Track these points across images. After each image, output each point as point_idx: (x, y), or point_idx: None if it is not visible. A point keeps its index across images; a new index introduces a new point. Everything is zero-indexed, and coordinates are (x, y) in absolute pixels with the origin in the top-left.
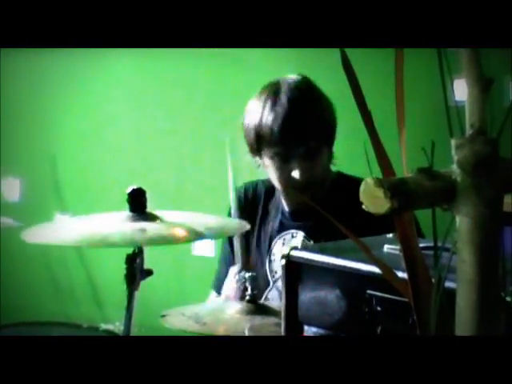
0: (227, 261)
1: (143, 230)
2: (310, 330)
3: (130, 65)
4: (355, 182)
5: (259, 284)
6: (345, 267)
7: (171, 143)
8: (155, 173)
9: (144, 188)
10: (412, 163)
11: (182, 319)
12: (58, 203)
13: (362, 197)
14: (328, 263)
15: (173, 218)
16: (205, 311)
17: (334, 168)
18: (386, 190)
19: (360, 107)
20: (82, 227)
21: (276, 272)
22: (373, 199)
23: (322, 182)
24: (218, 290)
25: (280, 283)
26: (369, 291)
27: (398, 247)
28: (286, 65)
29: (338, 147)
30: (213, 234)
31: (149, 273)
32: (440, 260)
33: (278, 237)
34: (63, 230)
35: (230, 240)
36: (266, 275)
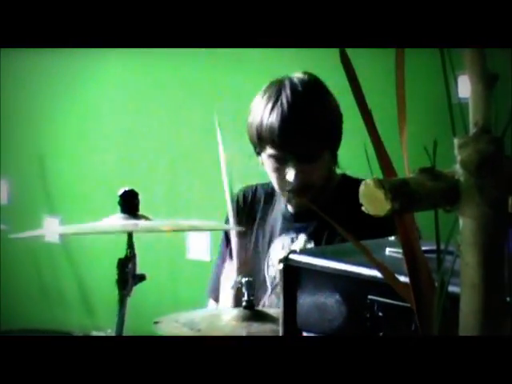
0: (224, 263)
1: (135, 225)
2: None
3: (121, 65)
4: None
5: (258, 289)
6: (345, 271)
7: (165, 145)
8: (148, 175)
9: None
10: (413, 163)
11: (175, 326)
12: (46, 206)
13: (362, 198)
14: (328, 267)
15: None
16: (200, 318)
17: (339, 170)
18: (387, 191)
19: (360, 105)
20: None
21: (275, 277)
22: (373, 200)
23: (323, 186)
24: (216, 296)
25: (279, 289)
26: (370, 296)
27: (400, 250)
28: (285, 63)
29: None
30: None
31: (141, 278)
32: (443, 263)
33: (277, 240)
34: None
35: (228, 242)
36: (265, 280)
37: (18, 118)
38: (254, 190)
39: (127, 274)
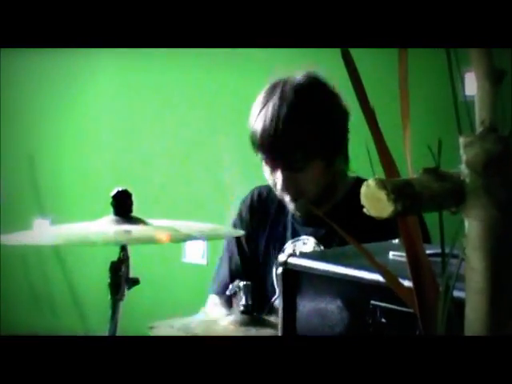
0: (232, 261)
1: (128, 232)
2: None
3: (116, 64)
4: None
5: (267, 291)
6: (347, 275)
7: (160, 145)
8: (142, 176)
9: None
10: (417, 163)
11: (171, 331)
12: (36, 207)
13: (364, 200)
14: (329, 271)
15: (161, 224)
16: (196, 323)
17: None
18: (390, 192)
19: (362, 104)
20: (61, 230)
21: None
22: (375, 202)
23: (325, 192)
24: (222, 291)
25: None
26: (373, 301)
27: (403, 254)
28: (288, 63)
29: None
30: (204, 235)
31: (135, 282)
32: (448, 267)
33: (289, 242)
34: (41, 232)
35: (238, 241)
36: (273, 282)
37: (8, 117)
38: (269, 189)
39: (120, 278)
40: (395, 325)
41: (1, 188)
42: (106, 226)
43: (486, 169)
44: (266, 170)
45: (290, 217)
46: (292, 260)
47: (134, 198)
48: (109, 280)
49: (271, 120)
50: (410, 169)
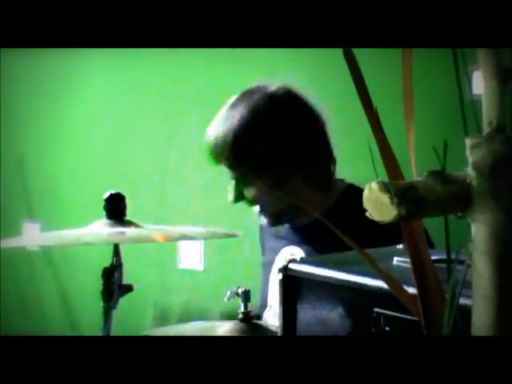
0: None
1: (122, 233)
2: None
3: (110, 65)
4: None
5: (262, 305)
6: (349, 282)
7: (154, 147)
8: (136, 178)
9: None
10: (422, 165)
11: None
12: (26, 211)
13: (366, 203)
14: (330, 277)
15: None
16: (192, 331)
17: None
18: (393, 196)
19: (364, 103)
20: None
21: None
22: (378, 206)
23: (288, 209)
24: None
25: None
26: (376, 309)
27: (408, 259)
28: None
29: (340, 146)
30: (200, 236)
31: (128, 288)
32: (454, 274)
33: (281, 252)
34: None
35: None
36: (267, 296)
37: None
38: None
39: (113, 285)
40: (399, 333)
41: None
42: (100, 229)
43: (494, 171)
44: None
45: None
46: (292, 266)
47: (127, 201)
48: (101, 287)
49: (210, 130)
50: (414, 171)
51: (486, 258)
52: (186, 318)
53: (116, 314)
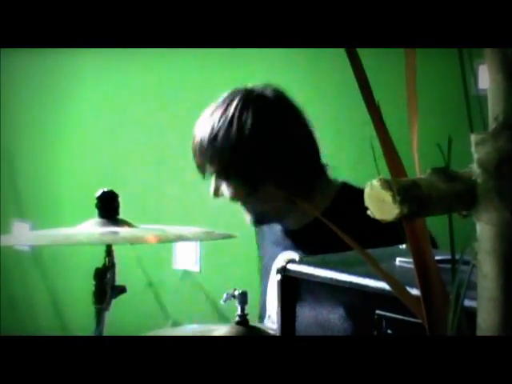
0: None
1: (115, 233)
2: None
3: (102, 64)
4: (362, 195)
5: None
6: (350, 283)
7: (147, 145)
8: (129, 176)
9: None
10: (426, 162)
11: None
12: (16, 209)
13: (368, 201)
14: (330, 278)
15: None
16: (187, 334)
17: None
18: (395, 194)
19: (365, 97)
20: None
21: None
22: (380, 204)
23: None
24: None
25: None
26: (378, 311)
27: (411, 260)
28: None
29: (341, 145)
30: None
31: (121, 290)
32: (458, 274)
33: (278, 256)
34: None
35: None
36: (265, 303)
37: None
38: None
39: (105, 286)
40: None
41: None
42: (92, 228)
43: (499, 169)
44: None
45: (281, 229)
46: (291, 266)
47: (120, 200)
48: (93, 288)
49: (199, 125)
50: (417, 168)
51: (491, 258)
52: (180, 320)
53: (108, 316)
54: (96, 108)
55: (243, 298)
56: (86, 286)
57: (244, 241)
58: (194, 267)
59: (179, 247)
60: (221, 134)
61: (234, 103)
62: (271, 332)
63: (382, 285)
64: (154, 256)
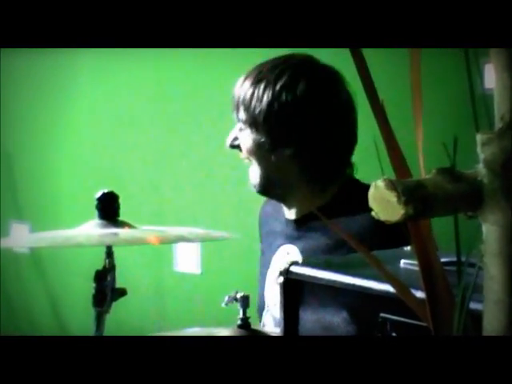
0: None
1: (115, 234)
2: None
3: (103, 63)
4: (366, 190)
5: (259, 307)
6: (354, 286)
7: (148, 145)
8: (129, 177)
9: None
10: (430, 162)
11: None
12: (14, 211)
13: (372, 202)
14: (334, 281)
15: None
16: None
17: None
18: (400, 194)
19: (369, 96)
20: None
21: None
22: (384, 205)
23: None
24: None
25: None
26: (382, 314)
27: (416, 262)
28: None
29: None
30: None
31: (122, 292)
32: (464, 277)
33: (277, 251)
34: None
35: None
36: (263, 295)
37: None
38: None
39: (105, 288)
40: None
41: None
42: (91, 230)
43: (505, 169)
44: None
45: (283, 220)
46: (294, 269)
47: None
48: (93, 290)
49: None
50: (422, 169)
51: (497, 260)
52: (181, 323)
53: (108, 318)
54: (95, 108)
55: (245, 301)
56: (86, 288)
57: (245, 243)
58: (195, 270)
59: (180, 249)
60: (265, 83)
61: (294, 61)
62: (272, 335)
63: (386, 287)
64: (155, 258)
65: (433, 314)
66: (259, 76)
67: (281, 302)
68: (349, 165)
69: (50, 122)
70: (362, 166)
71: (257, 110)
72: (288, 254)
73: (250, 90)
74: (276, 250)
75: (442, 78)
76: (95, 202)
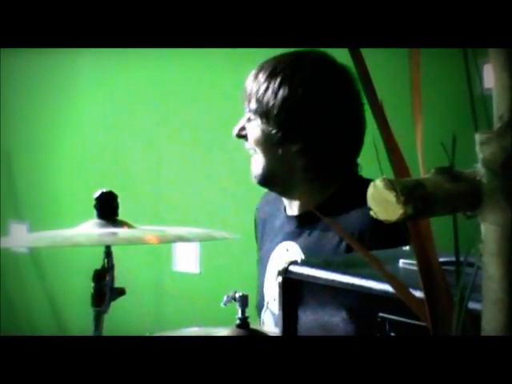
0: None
1: (114, 234)
2: None
3: (103, 63)
4: (368, 186)
5: (259, 305)
6: (353, 285)
7: (147, 144)
8: (128, 177)
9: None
10: (430, 162)
11: None
12: (13, 210)
13: (371, 202)
14: (333, 281)
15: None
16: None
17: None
18: (399, 194)
19: (369, 97)
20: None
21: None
22: (383, 204)
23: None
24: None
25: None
26: (381, 314)
27: (415, 262)
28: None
29: None
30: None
31: (120, 292)
32: (463, 277)
33: (276, 248)
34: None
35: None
36: (262, 293)
37: None
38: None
39: (104, 288)
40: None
41: None
42: (90, 229)
43: (504, 168)
44: None
45: (282, 217)
46: (293, 268)
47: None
48: (92, 290)
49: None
50: (421, 168)
51: (496, 260)
52: (180, 323)
53: (107, 318)
54: (95, 108)
55: (244, 301)
56: (85, 287)
57: (244, 242)
58: (194, 269)
59: (179, 249)
60: (282, 78)
61: (310, 58)
62: (272, 335)
63: (386, 287)
64: (154, 258)
65: (432, 313)
66: (276, 70)
67: (280, 302)
68: (354, 165)
69: (50, 121)
70: (360, 164)
71: (270, 103)
72: (287, 251)
73: (265, 84)
74: (275, 247)
75: (441, 78)
76: (94, 202)
